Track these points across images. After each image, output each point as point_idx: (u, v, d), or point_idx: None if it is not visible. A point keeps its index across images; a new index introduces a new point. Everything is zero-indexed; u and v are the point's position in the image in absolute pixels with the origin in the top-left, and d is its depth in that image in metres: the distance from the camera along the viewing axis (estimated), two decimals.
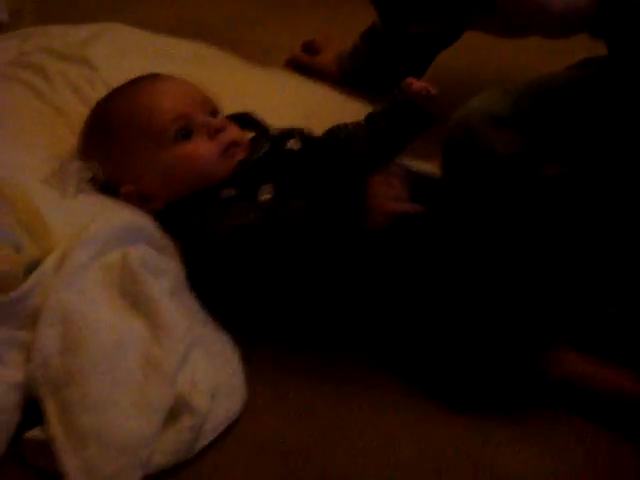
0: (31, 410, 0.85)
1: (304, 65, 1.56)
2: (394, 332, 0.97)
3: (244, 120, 1.12)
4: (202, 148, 1.03)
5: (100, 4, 1.71)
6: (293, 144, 1.06)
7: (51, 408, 0.83)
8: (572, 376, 0.92)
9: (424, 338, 0.95)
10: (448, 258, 0.98)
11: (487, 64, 1.61)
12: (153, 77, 1.09)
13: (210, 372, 0.90)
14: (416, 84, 1.10)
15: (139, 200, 1.04)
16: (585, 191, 1.06)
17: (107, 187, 1.06)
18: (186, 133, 1.03)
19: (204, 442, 0.87)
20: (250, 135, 1.09)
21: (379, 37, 1.45)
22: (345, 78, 1.50)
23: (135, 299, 0.91)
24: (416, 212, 0.94)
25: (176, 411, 0.85)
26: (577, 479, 0.88)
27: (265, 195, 1.01)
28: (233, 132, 1.06)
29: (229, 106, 1.14)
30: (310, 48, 1.62)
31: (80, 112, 1.14)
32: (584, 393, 0.92)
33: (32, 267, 0.90)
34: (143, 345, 0.86)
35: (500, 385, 0.93)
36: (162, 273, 0.95)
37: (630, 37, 0.90)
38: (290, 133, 1.09)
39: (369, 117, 1.14)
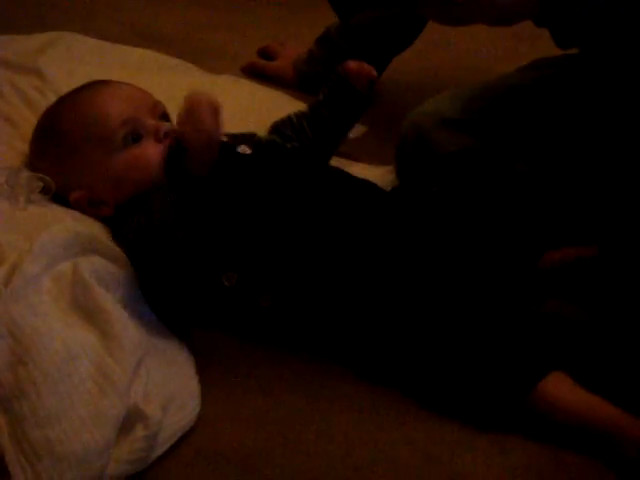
0: None
1: (260, 71, 1.56)
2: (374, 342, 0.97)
3: None
4: (150, 151, 1.02)
5: (53, 14, 1.69)
6: (244, 149, 1.06)
7: (2, 422, 0.82)
8: (555, 407, 0.89)
9: (408, 351, 0.95)
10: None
11: (443, 68, 1.62)
12: (101, 83, 1.09)
13: (164, 381, 0.89)
14: (351, 63, 1.14)
15: (89, 206, 1.03)
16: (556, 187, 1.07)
17: (58, 197, 1.05)
18: (135, 137, 1.03)
19: (159, 451, 0.86)
20: None
21: (334, 42, 1.45)
22: (301, 83, 1.51)
23: (86, 310, 0.90)
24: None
25: (130, 421, 0.84)
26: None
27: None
28: None
29: None
30: (266, 54, 1.62)
31: (30, 122, 1.13)
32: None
33: None
34: (95, 356, 0.85)
35: (487, 410, 0.91)
36: (114, 283, 0.94)
37: (571, 26, 0.91)
38: (241, 138, 1.09)
39: (312, 107, 1.18)
